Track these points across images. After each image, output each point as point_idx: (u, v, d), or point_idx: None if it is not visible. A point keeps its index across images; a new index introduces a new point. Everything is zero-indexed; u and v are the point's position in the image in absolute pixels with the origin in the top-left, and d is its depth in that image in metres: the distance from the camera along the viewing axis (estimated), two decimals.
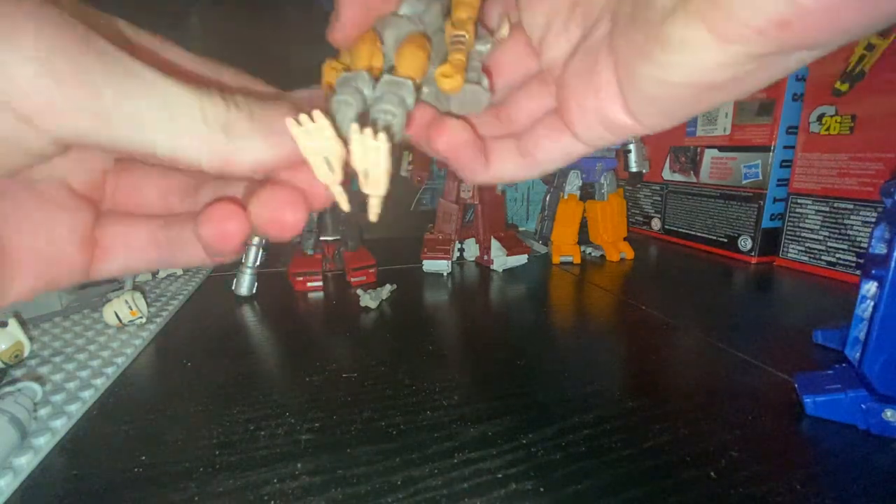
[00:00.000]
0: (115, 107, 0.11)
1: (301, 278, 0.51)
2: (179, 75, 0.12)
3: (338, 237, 0.56)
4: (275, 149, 0.13)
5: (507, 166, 0.17)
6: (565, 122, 0.15)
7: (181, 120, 0.12)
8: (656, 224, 0.77)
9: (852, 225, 0.52)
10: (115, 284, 0.47)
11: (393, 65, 0.16)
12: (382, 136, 0.13)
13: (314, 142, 0.13)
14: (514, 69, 0.18)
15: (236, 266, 0.50)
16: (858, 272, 0.50)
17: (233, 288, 0.49)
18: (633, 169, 0.69)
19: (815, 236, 0.56)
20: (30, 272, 0.14)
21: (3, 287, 0.13)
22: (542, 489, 0.22)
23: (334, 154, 0.13)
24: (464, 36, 0.15)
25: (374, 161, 0.13)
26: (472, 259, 0.63)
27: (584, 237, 0.67)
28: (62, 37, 0.11)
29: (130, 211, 0.16)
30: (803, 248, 0.57)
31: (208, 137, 0.12)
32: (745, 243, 0.62)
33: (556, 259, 0.62)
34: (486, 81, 0.16)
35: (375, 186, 0.14)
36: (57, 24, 0.11)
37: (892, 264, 0.26)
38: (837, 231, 0.53)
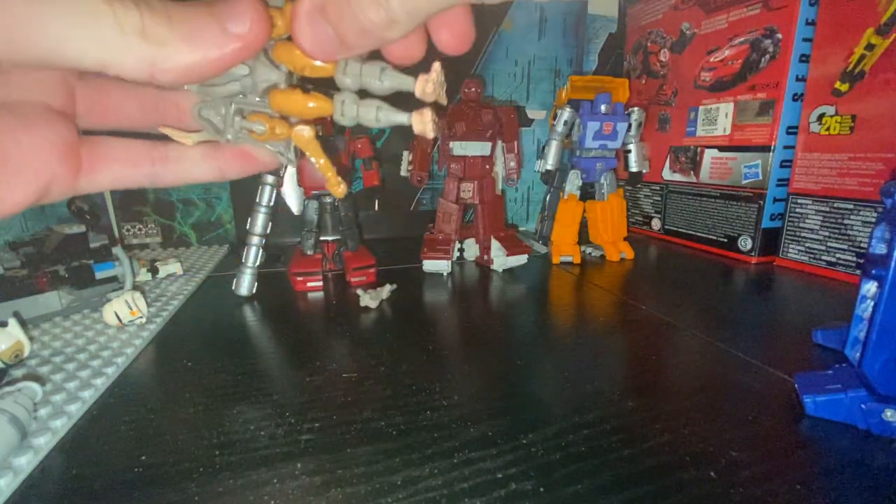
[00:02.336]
0: (20, 22, 0.11)
1: (301, 278, 0.51)
2: None
3: (338, 237, 0.56)
4: (199, 53, 0.13)
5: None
6: None
7: (94, 29, 0.12)
8: (656, 224, 0.77)
9: (852, 225, 0.52)
10: (114, 284, 0.47)
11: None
12: (436, 67, 0.15)
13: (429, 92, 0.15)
14: None
15: (236, 266, 0.50)
16: (858, 272, 0.50)
17: (233, 288, 0.49)
18: (633, 169, 0.69)
19: (815, 236, 0.56)
20: (15, 188, 0.14)
21: None
22: (542, 489, 0.22)
23: (441, 93, 0.16)
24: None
25: (438, 88, 0.15)
26: (472, 259, 0.63)
27: (584, 237, 0.67)
28: None
29: (116, 126, 0.17)
30: (803, 248, 0.57)
31: (126, 45, 0.12)
32: (745, 243, 0.62)
33: (556, 259, 0.62)
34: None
35: (439, 97, 0.16)
36: None
37: (892, 264, 0.26)
38: (837, 231, 0.53)
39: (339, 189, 0.18)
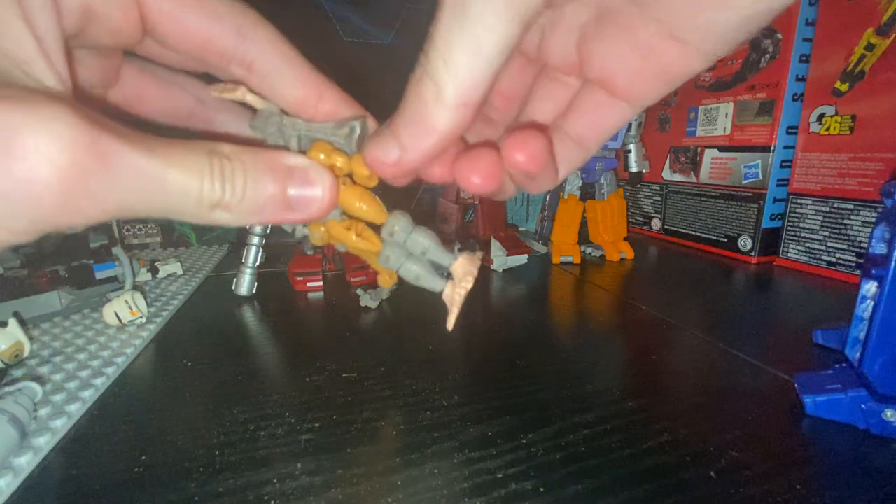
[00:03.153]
0: (115, 202, 0.12)
1: (301, 278, 0.51)
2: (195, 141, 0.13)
3: None
4: (261, 218, 0.14)
5: (567, 159, 0.17)
6: (611, 90, 0.16)
7: (176, 203, 0.13)
8: (656, 224, 0.77)
9: (852, 225, 0.52)
10: (114, 284, 0.47)
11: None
12: (475, 256, 0.18)
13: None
14: (514, 86, 0.18)
15: (236, 266, 0.50)
16: (858, 272, 0.50)
17: (233, 288, 0.49)
18: (633, 169, 0.69)
19: (815, 236, 0.56)
20: None
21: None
22: (542, 489, 0.22)
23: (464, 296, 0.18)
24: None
25: (474, 270, 0.18)
26: None
27: (584, 237, 0.67)
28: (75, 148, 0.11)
29: (138, 112, 0.19)
30: (803, 248, 0.57)
31: (199, 213, 0.13)
32: (745, 243, 0.62)
33: (556, 259, 0.62)
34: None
35: (469, 284, 0.18)
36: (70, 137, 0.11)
37: (892, 264, 0.26)
38: (837, 231, 0.53)
39: (388, 282, 0.21)
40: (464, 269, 0.18)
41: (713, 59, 0.14)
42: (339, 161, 0.17)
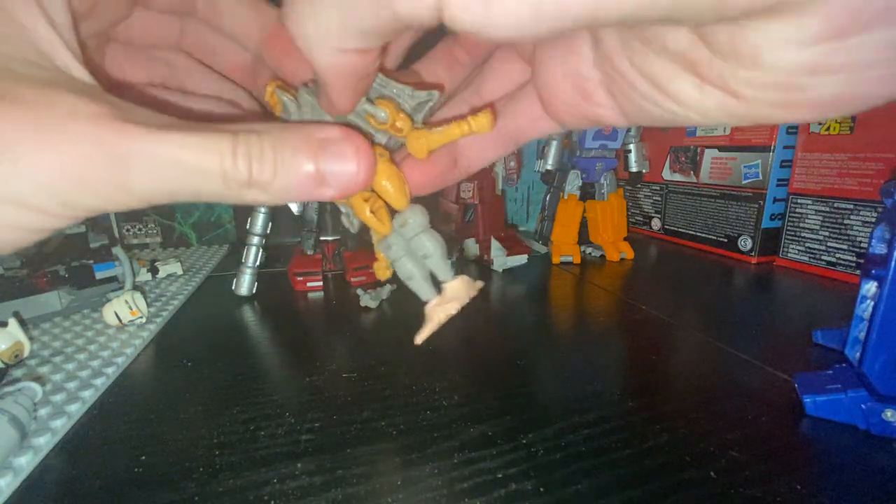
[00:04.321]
0: (137, 189, 0.12)
1: (301, 278, 0.51)
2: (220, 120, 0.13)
3: (338, 237, 0.56)
4: (297, 196, 0.14)
5: (488, 150, 0.18)
6: (545, 104, 0.16)
7: (203, 186, 0.13)
8: (656, 224, 0.77)
9: (852, 225, 0.52)
10: (114, 284, 0.47)
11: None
12: (471, 283, 0.18)
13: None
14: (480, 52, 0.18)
15: (236, 266, 0.50)
16: (858, 272, 0.50)
17: (233, 288, 0.49)
18: (633, 169, 0.69)
19: (815, 236, 0.56)
20: None
21: None
22: (542, 489, 0.22)
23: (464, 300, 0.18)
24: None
25: (464, 296, 0.17)
26: (472, 259, 0.63)
27: (584, 237, 0.67)
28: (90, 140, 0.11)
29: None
30: (803, 248, 0.57)
31: (229, 193, 0.13)
32: (745, 243, 0.62)
33: (556, 259, 0.62)
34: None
35: (456, 308, 0.18)
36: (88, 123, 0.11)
37: (892, 264, 0.26)
38: (837, 231, 0.53)
39: (384, 273, 0.19)
40: (455, 291, 0.17)
41: (632, 124, 0.15)
42: (401, 123, 0.16)
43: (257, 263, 0.49)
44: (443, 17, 0.10)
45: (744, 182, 0.61)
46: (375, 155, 0.15)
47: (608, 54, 0.13)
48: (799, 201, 0.57)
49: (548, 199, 0.66)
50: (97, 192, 0.12)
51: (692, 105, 0.12)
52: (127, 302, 0.40)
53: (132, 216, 0.70)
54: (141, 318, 0.40)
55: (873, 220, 0.50)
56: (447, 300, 0.17)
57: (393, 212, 0.17)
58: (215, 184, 0.12)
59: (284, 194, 0.13)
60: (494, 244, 0.59)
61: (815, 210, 0.56)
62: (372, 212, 0.17)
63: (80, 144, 0.11)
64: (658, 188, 0.75)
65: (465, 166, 0.18)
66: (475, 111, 0.16)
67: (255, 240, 0.49)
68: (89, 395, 0.29)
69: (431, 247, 0.17)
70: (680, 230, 0.72)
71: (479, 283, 0.18)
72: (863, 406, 0.26)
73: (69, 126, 0.11)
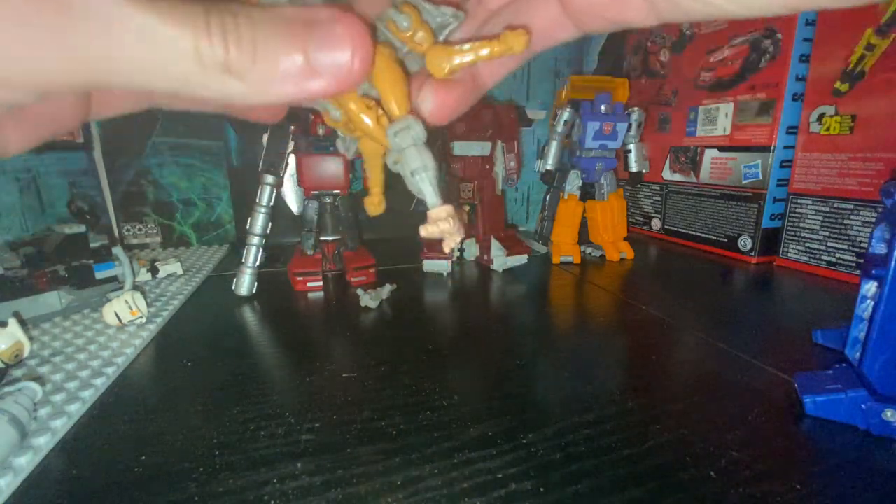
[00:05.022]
0: (93, 58, 0.10)
1: (301, 278, 0.51)
2: None
3: (338, 237, 0.56)
4: (281, 92, 0.12)
5: (498, 65, 0.17)
6: (566, 4, 0.15)
7: (172, 64, 0.11)
8: (656, 224, 0.77)
9: (852, 225, 0.52)
10: (114, 284, 0.47)
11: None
12: (455, 232, 0.15)
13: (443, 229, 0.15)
14: None
15: (236, 266, 0.50)
16: (858, 272, 0.50)
17: (233, 288, 0.49)
18: (633, 169, 0.69)
19: (815, 236, 0.56)
20: (29, 126, 0.14)
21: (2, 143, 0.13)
22: (542, 489, 0.22)
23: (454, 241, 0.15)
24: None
25: (448, 230, 0.15)
26: (472, 259, 0.63)
27: (584, 237, 0.67)
28: None
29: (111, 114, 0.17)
30: (803, 248, 0.57)
31: (204, 80, 0.11)
32: (745, 243, 0.62)
33: (556, 259, 0.62)
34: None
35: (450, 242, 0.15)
36: None
37: (892, 264, 0.26)
38: (837, 231, 0.53)
39: (376, 209, 0.18)
40: (436, 218, 0.15)
41: (661, 22, 0.14)
42: (421, 36, 0.15)
43: (257, 263, 0.49)
44: None
45: (744, 182, 0.61)
46: (374, 43, 0.13)
47: None
48: (799, 201, 0.57)
49: (548, 199, 0.66)
50: (39, 56, 0.10)
51: None
52: (127, 302, 0.40)
53: (132, 216, 0.70)
54: (141, 318, 0.40)
55: (873, 220, 0.50)
56: (432, 222, 0.15)
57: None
58: (187, 64, 0.11)
59: (267, 86, 0.12)
60: (494, 244, 0.59)
61: (815, 210, 0.56)
62: (378, 122, 0.15)
63: None
64: (658, 188, 0.75)
65: (483, 84, 0.17)
66: (479, 16, 0.15)
67: (255, 240, 0.49)
68: (89, 395, 0.29)
69: (421, 160, 0.15)
70: (680, 230, 0.72)
71: (460, 231, 0.16)
72: (863, 406, 0.26)
73: None
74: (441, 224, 0.15)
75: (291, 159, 0.51)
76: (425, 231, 0.15)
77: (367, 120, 0.15)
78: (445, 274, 0.57)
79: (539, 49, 0.16)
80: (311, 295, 0.50)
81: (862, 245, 0.51)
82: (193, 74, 0.11)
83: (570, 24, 0.15)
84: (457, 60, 0.15)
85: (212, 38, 0.11)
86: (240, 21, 0.11)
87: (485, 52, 0.14)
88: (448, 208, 0.15)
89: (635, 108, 0.66)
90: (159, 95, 0.15)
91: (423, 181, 0.15)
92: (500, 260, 0.58)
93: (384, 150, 0.16)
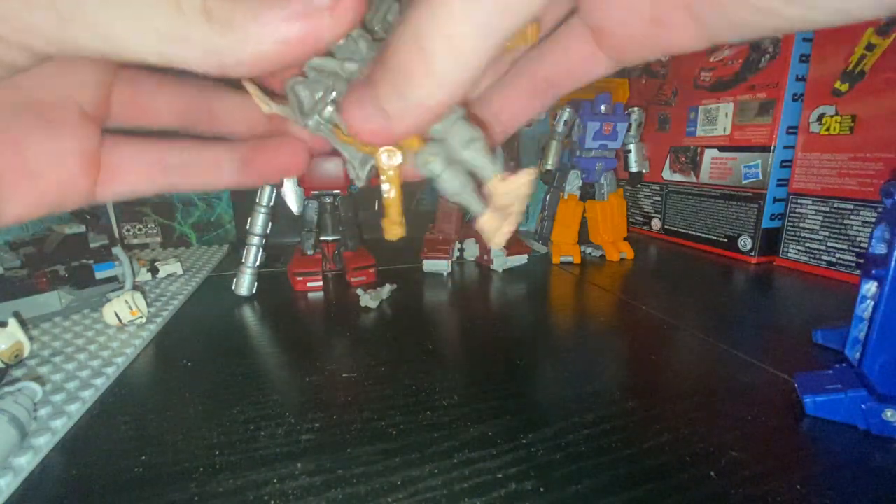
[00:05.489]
0: (71, 7, 0.10)
1: (301, 278, 0.51)
2: None
3: (338, 237, 0.56)
4: (274, 35, 0.11)
5: (525, 109, 0.16)
6: (598, 39, 0.14)
7: (148, 14, 0.10)
8: (656, 224, 0.77)
9: (852, 225, 0.52)
10: (114, 284, 0.47)
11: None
12: (529, 172, 0.12)
13: (508, 198, 0.13)
14: None
15: (236, 266, 0.50)
16: (858, 272, 0.50)
17: (233, 288, 0.49)
18: (633, 169, 0.69)
19: (815, 236, 0.56)
20: (29, 194, 0.13)
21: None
22: (542, 489, 0.22)
23: (521, 206, 0.13)
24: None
25: (520, 198, 0.13)
26: (472, 259, 0.63)
27: (584, 237, 0.67)
28: None
29: (147, 126, 0.16)
30: (803, 248, 0.57)
31: (187, 32, 0.10)
32: (745, 243, 0.62)
33: (556, 259, 0.62)
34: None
35: (517, 216, 0.14)
36: None
37: (892, 264, 0.26)
38: (837, 231, 0.53)
39: (395, 231, 0.16)
40: (505, 194, 0.14)
41: (712, 44, 0.13)
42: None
43: (257, 263, 0.49)
44: None
45: (744, 182, 0.61)
46: None
47: None
48: (799, 201, 0.57)
49: (548, 199, 0.66)
50: (22, 11, 0.10)
51: None
52: (127, 302, 0.40)
53: (132, 216, 0.70)
54: (141, 318, 0.40)
55: (873, 220, 0.50)
56: (499, 208, 0.14)
57: None
58: (167, 15, 0.10)
59: (257, 39, 0.11)
60: None
61: (815, 210, 0.56)
62: None
63: None
64: (658, 188, 0.75)
65: (501, 131, 0.16)
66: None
67: (255, 240, 0.49)
68: (89, 395, 0.29)
69: (473, 131, 0.13)
70: (680, 230, 0.72)
71: (530, 177, 0.14)
72: (863, 406, 0.26)
73: None
74: (518, 187, 0.13)
75: None
76: (493, 210, 0.14)
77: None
78: (445, 274, 0.57)
79: (573, 88, 0.15)
80: (311, 295, 0.50)
81: (862, 245, 0.51)
82: (174, 27, 0.10)
83: (606, 58, 0.14)
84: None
85: None
86: None
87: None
88: (520, 178, 0.13)
89: (635, 108, 0.66)
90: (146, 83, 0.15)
91: (479, 150, 0.14)
92: (501, 260, 0.58)
93: (403, 158, 0.15)
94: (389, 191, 0.15)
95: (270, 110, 0.15)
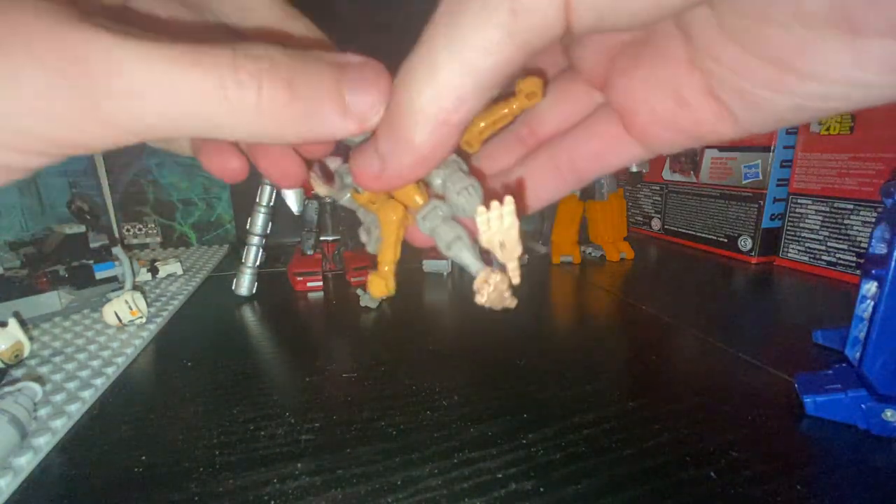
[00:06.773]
0: (119, 117, 0.10)
1: (301, 278, 0.51)
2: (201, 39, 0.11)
3: (338, 237, 0.56)
4: (313, 132, 0.12)
5: (547, 189, 0.16)
6: (628, 125, 0.14)
7: (197, 109, 0.11)
8: (656, 224, 0.77)
9: (852, 225, 0.52)
10: (114, 284, 0.47)
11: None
12: (509, 201, 0.12)
13: (493, 230, 0.13)
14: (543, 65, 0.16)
15: (236, 266, 0.50)
16: (858, 272, 0.50)
17: (233, 288, 0.49)
18: (633, 169, 0.69)
19: (815, 236, 0.56)
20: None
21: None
22: (542, 489, 0.22)
23: (511, 238, 0.13)
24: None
25: (506, 230, 0.13)
26: None
27: (584, 237, 0.67)
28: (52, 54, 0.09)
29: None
30: (803, 248, 0.57)
31: (235, 121, 0.11)
32: (745, 243, 0.62)
33: (556, 259, 0.62)
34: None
35: (513, 252, 0.13)
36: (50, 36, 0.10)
37: (892, 264, 0.26)
38: (837, 231, 0.53)
39: (385, 289, 0.16)
40: (485, 278, 0.14)
41: (746, 134, 0.12)
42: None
43: (257, 263, 0.49)
44: (570, 17, 0.09)
45: (744, 182, 0.61)
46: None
47: (706, 47, 0.11)
48: (799, 201, 0.57)
49: None
50: (66, 121, 0.10)
51: (841, 75, 0.10)
52: (127, 302, 0.40)
53: (132, 216, 0.70)
54: (141, 318, 0.40)
55: (873, 220, 0.50)
56: (490, 246, 0.14)
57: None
58: (213, 107, 0.10)
59: (306, 124, 0.11)
60: None
61: (815, 210, 0.55)
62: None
63: (37, 59, 0.09)
64: (658, 188, 0.75)
65: (528, 205, 0.16)
66: (529, 142, 0.14)
67: (255, 240, 0.49)
68: (89, 395, 0.29)
69: (469, 180, 0.14)
70: (680, 230, 0.72)
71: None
72: (863, 406, 0.26)
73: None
74: (492, 282, 0.14)
75: None
76: (482, 298, 0.14)
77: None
78: (445, 274, 0.57)
79: (602, 172, 0.15)
80: (311, 295, 0.50)
81: (862, 245, 0.51)
82: (220, 116, 0.11)
83: (635, 143, 0.14)
84: (482, 133, 0.15)
85: (241, 78, 0.10)
86: (274, 57, 0.11)
87: (503, 112, 0.14)
88: (488, 270, 0.14)
89: None
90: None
91: (461, 250, 0.14)
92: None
93: (402, 216, 0.15)
94: (385, 241, 0.16)
95: (326, 192, 0.16)
